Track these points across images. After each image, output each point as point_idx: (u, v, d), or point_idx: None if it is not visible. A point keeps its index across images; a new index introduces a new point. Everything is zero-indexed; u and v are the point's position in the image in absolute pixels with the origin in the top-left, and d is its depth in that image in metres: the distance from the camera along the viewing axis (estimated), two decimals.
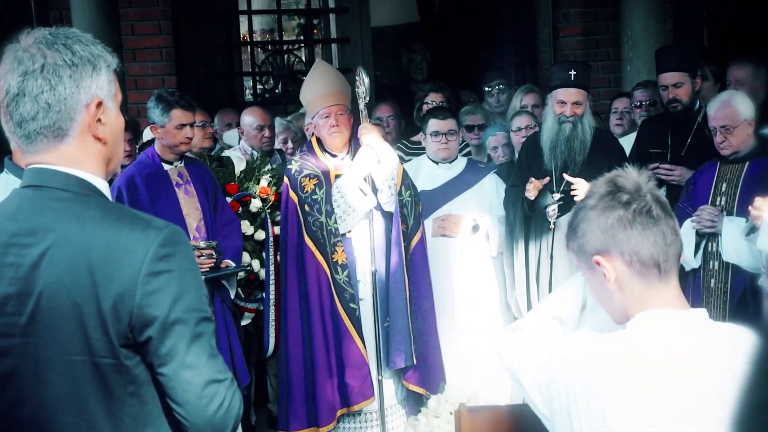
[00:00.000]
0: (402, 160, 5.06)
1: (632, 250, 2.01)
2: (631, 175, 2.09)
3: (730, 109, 4.61)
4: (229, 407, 1.95)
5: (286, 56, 8.93)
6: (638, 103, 6.21)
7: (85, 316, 1.87)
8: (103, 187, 2.01)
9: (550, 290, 5.00)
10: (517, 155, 5.61)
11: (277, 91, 8.98)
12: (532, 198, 4.91)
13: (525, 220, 5.06)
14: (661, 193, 2.17)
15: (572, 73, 5.04)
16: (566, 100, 4.99)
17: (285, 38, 10.03)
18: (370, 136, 4.68)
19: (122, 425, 1.93)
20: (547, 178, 4.91)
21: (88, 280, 1.86)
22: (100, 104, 1.96)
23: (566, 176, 4.89)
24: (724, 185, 4.69)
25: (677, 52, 5.65)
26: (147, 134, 5.65)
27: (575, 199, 4.84)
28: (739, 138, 4.62)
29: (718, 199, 4.69)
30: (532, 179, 4.90)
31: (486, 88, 7.37)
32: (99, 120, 1.97)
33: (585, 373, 1.98)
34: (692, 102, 5.37)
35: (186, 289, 1.90)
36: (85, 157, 1.97)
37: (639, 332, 2.01)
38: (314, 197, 4.73)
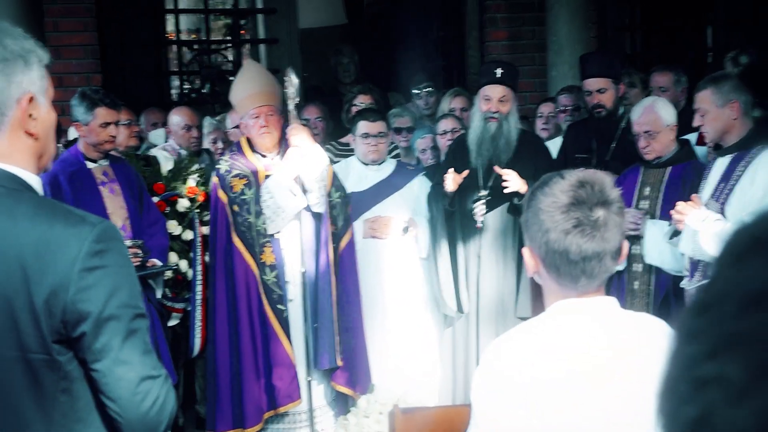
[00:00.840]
0: (331, 162, 5.07)
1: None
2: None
3: (653, 115, 4.71)
4: (163, 404, 1.94)
5: (213, 56, 8.86)
6: (563, 108, 6.30)
7: (17, 311, 1.85)
8: (35, 182, 1.98)
9: (477, 291, 5.04)
10: (443, 158, 5.65)
11: (204, 90, 8.91)
12: (451, 190, 4.91)
13: (449, 218, 5.08)
14: None
15: (498, 71, 5.09)
16: (492, 96, 5.04)
17: (212, 38, 9.94)
18: (300, 136, 4.67)
19: (53, 422, 1.91)
20: (467, 171, 4.91)
21: (19, 275, 1.84)
22: (31, 99, 1.93)
23: (496, 168, 4.92)
24: (648, 189, 4.80)
25: (601, 58, 5.76)
26: (72, 133, 5.54)
27: (505, 191, 4.90)
28: (662, 143, 4.72)
29: (642, 202, 4.80)
30: (450, 170, 4.91)
31: (414, 91, 7.41)
32: (30, 115, 1.94)
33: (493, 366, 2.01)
34: (616, 107, 5.47)
35: (120, 285, 1.89)
36: (16, 152, 1.94)
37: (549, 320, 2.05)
38: (243, 197, 4.71)
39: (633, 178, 4.89)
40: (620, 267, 4.77)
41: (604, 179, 2.01)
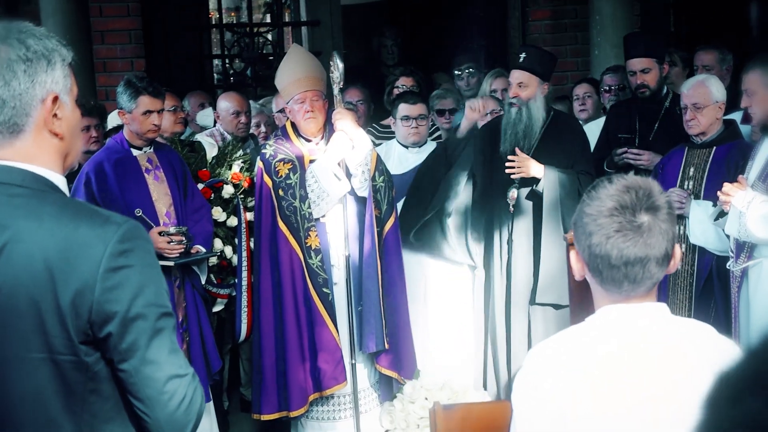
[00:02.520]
0: (373, 144, 5.07)
1: None
2: None
3: (703, 89, 4.68)
4: (191, 402, 1.95)
5: (255, 38, 8.89)
6: (607, 88, 6.26)
7: (44, 313, 1.85)
8: (61, 182, 1.99)
9: (508, 276, 5.03)
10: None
11: (247, 73, 8.94)
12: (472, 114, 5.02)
13: (483, 201, 5.07)
14: None
15: (522, 55, 5.05)
16: (512, 81, 5.03)
17: (253, 18, 9.96)
18: (345, 121, 4.68)
19: (82, 422, 1.92)
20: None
21: (46, 276, 1.84)
22: (56, 99, 1.94)
23: (518, 151, 4.90)
24: (692, 170, 4.76)
25: (645, 38, 5.71)
26: (112, 119, 5.59)
27: (514, 176, 4.88)
28: (708, 118, 4.68)
29: (686, 183, 4.76)
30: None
31: (456, 72, 7.40)
32: (55, 115, 1.94)
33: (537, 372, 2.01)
34: (660, 87, 5.44)
35: (146, 285, 1.89)
36: (42, 152, 1.95)
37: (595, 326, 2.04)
38: (288, 182, 4.73)
39: (678, 158, 4.85)
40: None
41: (652, 185, 2.00)
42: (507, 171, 4.88)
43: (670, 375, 1.93)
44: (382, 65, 8.68)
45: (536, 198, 4.97)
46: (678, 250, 2.03)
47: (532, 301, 4.96)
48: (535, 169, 4.87)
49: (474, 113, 5.28)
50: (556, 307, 4.94)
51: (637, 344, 1.97)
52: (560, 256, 4.87)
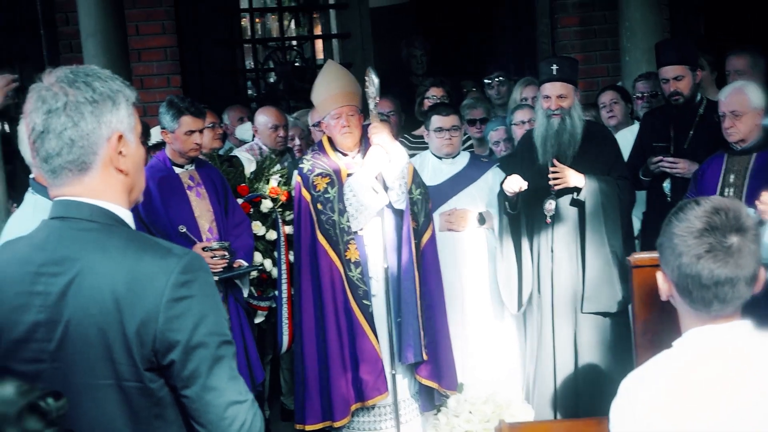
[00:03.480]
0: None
1: None
2: None
3: (742, 96, 4.67)
4: (250, 427, 2.03)
5: (288, 52, 8.98)
6: (639, 95, 6.28)
7: (111, 341, 1.95)
8: (127, 216, 2.09)
9: (551, 284, 5.07)
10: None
11: (279, 87, 9.03)
12: (513, 192, 4.94)
13: (512, 219, 5.12)
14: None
15: (554, 67, 5.08)
16: (550, 94, 5.05)
17: (286, 35, 10.05)
18: (381, 135, 4.74)
19: None
20: (525, 184, 4.93)
21: (113, 307, 1.94)
22: (120, 137, 2.03)
23: (555, 162, 4.95)
24: (732, 177, 4.74)
25: (677, 45, 5.69)
26: (154, 136, 5.69)
27: (556, 187, 4.93)
28: (747, 125, 4.66)
29: (726, 190, 4.74)
30: (514, 175, 4.95)
31: (486, 81, 7.45)
32: (120, 152, 2.04)
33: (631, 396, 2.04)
34: (693, 94, 5.43)
35: (207, 314, 1.98)
36: (108, 188, 2.05)
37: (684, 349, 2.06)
38: (327, 196, 4.80)
39: (717, 165, 4.83)
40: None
41: (740, 206, 2.04)
42: (551, 182, 4.92)
43: (764, 391, 1.95)
44: (411, 74, 8.74)
45: (579, 206, 5.01)
46: (763, 271, 2.06)
47: (580, 311, 5.00)
48: (574, 178, 4.92)
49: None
50: (603, 315, 4.98)
51: (730, 364, 1.99)
52: (605, 263, 4.91)
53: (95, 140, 2.00)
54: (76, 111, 1.97)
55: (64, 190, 2.04)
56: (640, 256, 3.02)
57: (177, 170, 4.76)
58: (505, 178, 5.06)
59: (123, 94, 2.04)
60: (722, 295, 2.00)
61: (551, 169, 4.96)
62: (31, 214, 2.99)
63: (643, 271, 2.86)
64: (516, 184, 4.89)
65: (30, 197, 3.11)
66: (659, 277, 2.11)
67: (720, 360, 2.00)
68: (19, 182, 4.28)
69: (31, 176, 3.31)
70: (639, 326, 2.91)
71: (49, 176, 2.04)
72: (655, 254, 2.12)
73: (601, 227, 4.95)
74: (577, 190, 4.96)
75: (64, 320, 1.97)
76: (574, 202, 5.02)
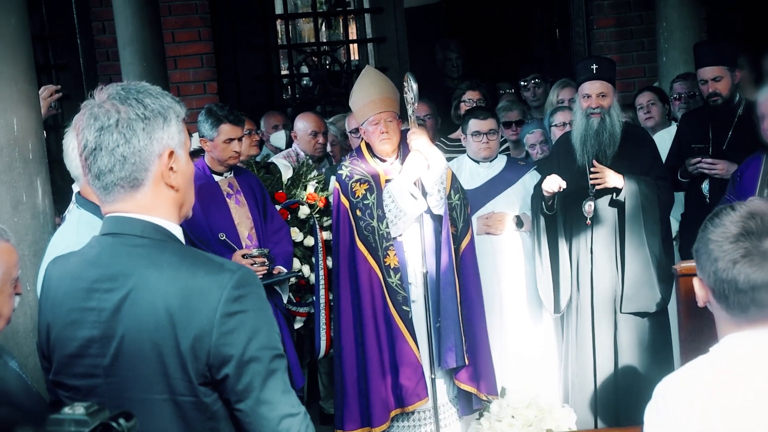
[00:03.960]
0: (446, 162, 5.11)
1: None
2: None
3: None
4: None
5: (323, 57, 9.02)
6: (677, 96, 6.24)
7: (166, 356, 1.97)
8: (178, 232, 2.10)
9: (591, 285, 5.05)
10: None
11: (315, 92, 9.07)
12: (552, 192, 4.91)
13: (549, 220, 5.09)
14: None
15: (594, 66, 5.08)
16: (591, 93, 5.03)
17: (321, 40, 10.09)
18: (420, 140, 4.73)
19: None
20: (564, 183, 4.90)
21: (167, 322, 1.96)
22: (171, 154, 2.05)
23: (595, 162, 4.93)
24: None
25: (716, 46, 5.66)
26: (193, 141, 5.74)
27: (597, 187, 4.90)
28: None
29: (766, 191, 4.69)
30: (553, 175, 4.92)
31: (522, 83, 7.43)
32: (171, 168, 2.06)
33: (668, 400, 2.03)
34: (732, 95, 5.39)
35: (259, 328, 1.99)
36: (160, 204, 2.07)
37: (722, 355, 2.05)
38: (365, 202, 4.80)
39: (756, 166, 4.77)
40: None
41: None
42: (591, 182, 4.90)
43: None
44: (446, 77, 8.74)
45: (618, 207, 4.99)
46: None
47: (620, 311, 4.98)
48: (613, 178, 4.89)
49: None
50: (642, 315, 4.95)
51: (767, 370, 1.98)
52: (644, 264, 4.89)
53: (147, 157, 2.02)
54: (128, 128, 1.99)
55: (116, 206, 2.06)
56: (686, 265, 3.01)
57: (216, 178, 4.80)
58: (542, 178, 5.05)
59: (173, 110, 2.07)
60: (759, 299, 1.98)
61: (591, 169, 4.93)
62: (75, 228, 3.01)
63: (689, 280, 2.86)
64: (555, 183, 4.86)
65: (75, 211, 3.14)
66: (696, 283, 2.11)
67: (758, 365, 1.99)
68: (55, 191, 4.33)
69: (76, 190, 3.34)
70: (684, 334, 2.89)
71: (101, 193, 2.06)
72: None
73: (641, 228, 4.92)
74: (617, 190, 4.93)
75: (119, 336, 1.99)
76: (613, 203, 4.99)
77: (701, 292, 2.10)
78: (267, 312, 2.05)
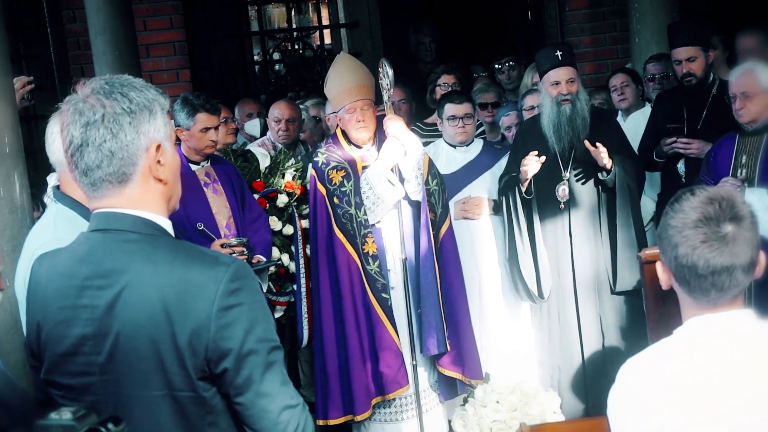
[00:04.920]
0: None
1: None
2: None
3: (752, 77, 4.65)
4: (303, 431, 2.05)
5: (295, 43, 8.98)
6: (650, 77, 6.25)
7: (163, 352, 1.95)
8: (167, 225, 2.09)
9: (573, 268, 5.07)
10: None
11: (288, 78, 9.03)
12: (532, 174, 4.92)
13: (526, 205, 5.10)
14: None
15: (559, 53, 5.10)
16: (560, 80, 5.05)
17: (291, 17, 10.04)
18: (396, 126, 4.71)
19: None
20: (544, 158, 4.92)
21: (163, 318, 1.94)
22: (159, 147, 2.03)
23: (587, 143, 4.93)
24: (744, 157, 4.74)
25: (689, 26, 5.67)
26: None
27: (603, 158, 4.88)
28: (758, 106, 4.64)
29: (739, 170, 4.73)
30: (532, 153, 4.92)
31: (496, 66, 7.43)
32: (158, 162, 2.04)
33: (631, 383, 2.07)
34: (706, 75, 5.42)
35: (256, 321, 1.99)
36: (148, 198, 2.05)
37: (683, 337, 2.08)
38: (343, 189, 4.78)
39: (729, 145, 4.82)
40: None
41: (735, 195, 2.06)
42: (601, 156, 4.86)
43: (764, 380, 1.97)
44: (420, 62, 8.71)
45: (606, 187, 5.01)
46: (763, 257, 2.08)
47: (612, 291, 5.03)
48: (607, 158, 4.91)
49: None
50: (630, 293, 5.01)
51: (728, 352, 2.02)
52: (632, 242, 4.94)
53: (134, 151, 2.00)
54: (115, 122, 1.97)
55: (104, 202, 2.04)
56: (650, 252, 3.03)
57: (193, 167, 4.76)
58: (509, 165, 5.04)
59: (158, 102, 2.05)
60: (720, 283, 2.02)
61: (594, 147, 4.89)
62: (51, 223, 2.97)
63: (653, 267, 2.88)
64: (536, 163, 4.86)
65: (52, 206, 3.10)
66: (659, 267, 2.15)
67: (719, 348, 2.03)
68: (30, 183, 4.28)
69: (53, 185, 3.30)
70: (652, 322, 2.92)
71: (89, 189, 2.04)
72: None
73: (628, 206, 4.97)
74: (603, 170, 4.93)
75: (114, 333, 1.98)
76: (602, 183, 5.00)
77: (664, 276, 2.14)
78: (262, 304, 2.04)
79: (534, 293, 5.10)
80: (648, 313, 3.00)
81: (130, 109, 1.98)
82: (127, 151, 1.99)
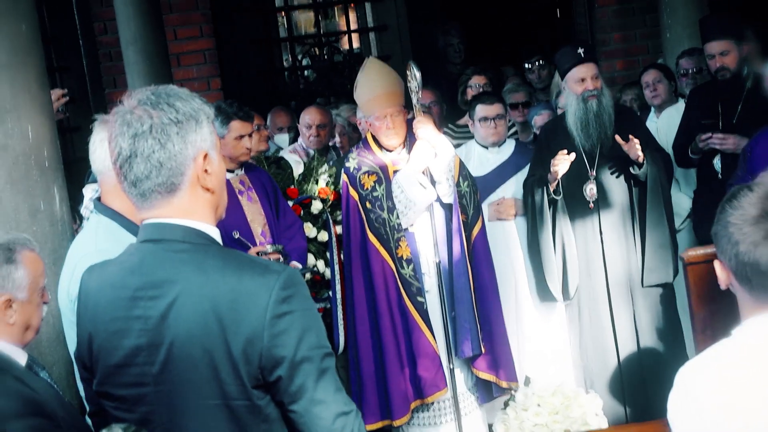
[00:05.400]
0: (453, 148, 5.08)
1: None
2: None
3: None
4: None
5: (324, 48, 9.00)
6: (684, 72, 6.19)
7: (217, 362, 1.95)
8: (216, 234, 2.09)
9: (604, 267, 5.03)
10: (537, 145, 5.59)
11: (318, 83, 9.05)
12: (563, 173, 4.88)
13: (553, 205, 5.05)
14: None
15: (581, 50, 5.07)
16: (586, 76, 5.01)
17: (322, 31, 10.06)
18: (426, 129, 4.71)
19: None
20: (573, 154, 4.88)
21: (217, 327, 1.94)
22: (206, 156, 2.03)
23: (618, 138, 4.87)
24: None
25: (722, 19, 5.61)
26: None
27: (637, 151, 4.83)
28: None
29: None
30: (562, 152, 4.87)
31: (526, 65, 7.40)
32: (206, 171, 2.04)
33: (688, 383, 2.02)
34: (740, 68, 5.35)
35: (309, 328, 1.98)
36: (197, 207, 2.05)
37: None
38: (375, 194, 4.78)
39: (767, 140, 4.77)
40: None
41: None
42: (636, 148, 4.81)
43: None
44: (449, 63, 8.69)
45: (639, 181, 4.97)
46: None
47: (642, 285, 4.99)
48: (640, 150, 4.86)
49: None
50: (660, 287, 4.97)
51: None
52: (663, 236, 4.90)
53: (182, 161, 2.00)
54: (163, 133, 1.97)
55: (153, 212, 2.05)
56: (693, 253, 2.99)
57: (228, 175, 4.77)
58: (534, 166, 5.01)
59: (204, 111, 2.05)
60: None
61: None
62: (93, 235, 2.99)
63: (698, 268, 2.82)
64: (566, 161, 4.83)
65: (93, 218, 3.12)
66: (717, 266, 2.08)
67: None
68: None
69: (94, 196, 3.32)
70: (698, 323, 2.88)
71: (138, 200, 2.05)
72: (707, 249, 2.09)
73: (660, 200, 4.92)
74: (636, 164, 4.89)
75: (167, 343, 1.98)
76: (634, 178, 4.96)
77: (723, 275, 2.08)
78: (314, 311, 2.04)
79: (557, 295, 5.07)
80: (693, 316, 2.95)
81: (177, 119, 1.99)
82: (175, 161, 1.99)
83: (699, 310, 2.85)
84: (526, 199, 5.19)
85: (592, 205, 5.03)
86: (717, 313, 2.81)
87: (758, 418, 1.92)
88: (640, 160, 4.83)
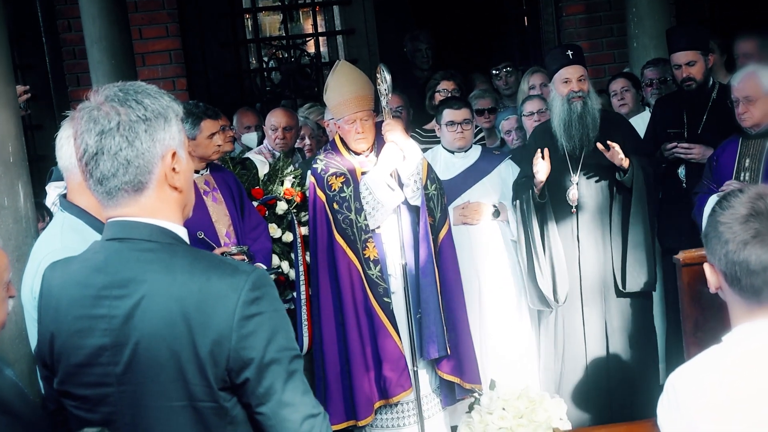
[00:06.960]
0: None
1: None
2: None
3: (754, 81, 4.65)
4: None
5: (291, 50, 8.97)
6: (649, 82, 6.24)
7: (183, 363, 1.92)
8: (184, 234, 2.06)
9: (579, 272, 5.05)
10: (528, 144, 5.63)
11: (285, 86, 9.01)
12: (543, 178, 4.88)
13: (540, 209, 5.06)
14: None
15: (569, 52, 5.11)
16: (570, 77, 5.03)
17: (287, 25, 10.03)
18: (395, 132, 4.71)
19: None
20: (547, 151, 4.89)
21: (184, 328, 1.91)
22: (174, 154, 2.00)
23: (599, 145, 4.90)
24: (748, 161, 4.73)
25: (689, 30, 5.67)
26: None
27: (620, 157, 4.85)
28: (761, 110, 4.65)
29: (742, 174, 4.72)
30: (537, 156, 4.88)
31: (493, 72, 7.41)
32: (174, 169, 2.01)
33: (678, 388, 2.02)
34: (706, 79, 5.40)
35: (277, 330, 1.96)
36: (164, 206, 2.01)
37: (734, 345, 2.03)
38: (342, 195, 4.77)
39: (732, 149, 4.82)
40: None
41: None
42: (616, 154, 4.82)
43: None
44: (416, 68, 8.69)
45: (623, 187, 4.98)
46: None
47: (623, 291, 5.00)
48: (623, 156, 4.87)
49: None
50: (637, 295, 4.99)
51: None
52: (644, 242, 4.92)
53: (150, 159, 1.96)
54: (131, 131, 1.93)
55: (119, 210, 2.01)
56: (689, 254, 2.99)
57: (193, 176, 4.73)
58: (522, 170, 5.02)
59: (172, 109, 2.01)
60: None
61: (610, 145, 4.84)
62: (59, 232, 2.94)
63: (691, 269, 2.83)
64: (545, 165, 4.84)
65: (58, 215, 3.07)
66: (707, 269, 2.09)
67: (766, 358, 1.97)
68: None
69: (60, 193, 3.26)
70: (689, 325, 2.89)
71: (104, 198, 2.00)
72: (703, 251, 2.09)
73: (644, 207, 4.95)
74: (620, 171, 4.91)
75: (132, 343, 1.94)
76: (619, 184, 4.98)
77: (713, 278, 2.08)
78: (282, 312, 2.02)
79: (550, 298, 5.07)
80: (684, 317, 2.96)
81: (146, 117, 1.94)
82: (143, 159, 1.95)
83: (691, 311, 2.86)
84: (514, 204, 5.20)
85: (573, 210, 5.04)
86: (709, 316, 2.82)
87: (748, 425, 1.92)
88: (625, 165, 4.86)
